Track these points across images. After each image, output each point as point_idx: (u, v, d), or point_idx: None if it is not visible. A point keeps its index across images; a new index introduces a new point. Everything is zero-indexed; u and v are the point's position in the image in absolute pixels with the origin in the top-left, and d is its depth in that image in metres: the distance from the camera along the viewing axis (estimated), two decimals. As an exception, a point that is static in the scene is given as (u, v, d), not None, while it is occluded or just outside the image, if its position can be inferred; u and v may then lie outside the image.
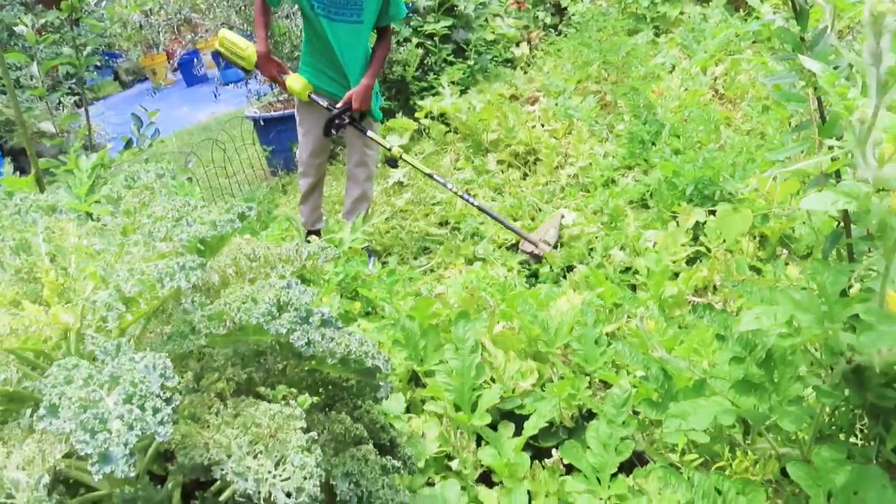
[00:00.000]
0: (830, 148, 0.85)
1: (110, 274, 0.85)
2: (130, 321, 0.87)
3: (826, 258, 1.09)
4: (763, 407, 1.26)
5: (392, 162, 3.31)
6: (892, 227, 0.73)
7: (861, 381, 1.11)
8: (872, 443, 1.26)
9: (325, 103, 3.20)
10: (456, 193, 3.31)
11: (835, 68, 0.75)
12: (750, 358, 1.27)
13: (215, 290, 1.04)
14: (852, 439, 1.38)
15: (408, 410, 2.01)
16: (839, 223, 1.14)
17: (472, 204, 3.28)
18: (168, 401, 0.72)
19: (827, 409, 1.36)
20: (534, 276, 3.00)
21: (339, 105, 3.16)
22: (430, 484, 1.72)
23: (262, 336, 0.91)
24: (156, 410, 0.71)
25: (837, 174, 1.05)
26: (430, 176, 3.30)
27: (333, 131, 3.21)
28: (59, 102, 4.78)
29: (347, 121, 3.18)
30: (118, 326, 0.84)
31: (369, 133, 3.24)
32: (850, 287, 1.08)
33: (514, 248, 3.31)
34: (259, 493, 0.77)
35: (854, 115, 0.65)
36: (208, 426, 0.86)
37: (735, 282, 1.10)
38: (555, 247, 3.13)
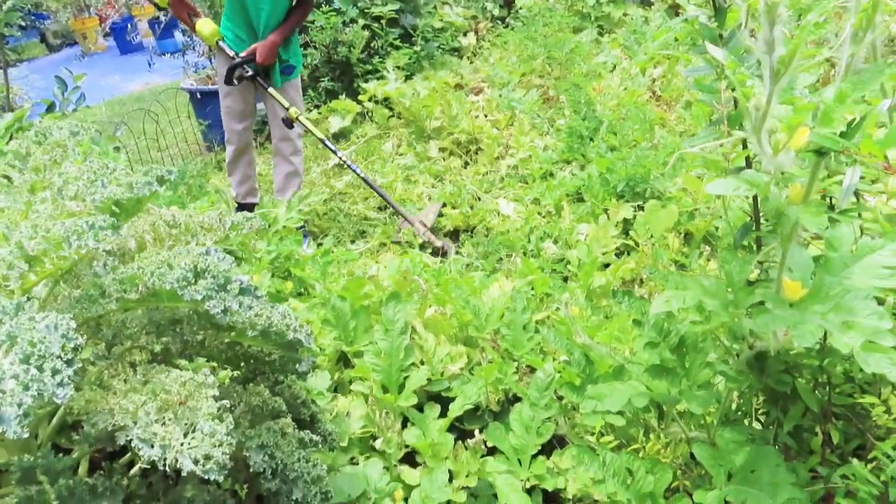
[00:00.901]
0: (738, 138, 0.89)
1: (13, 231, 0.81)
2: (34, 281, 0.83)
3: (736, 249, 1.15)
4: (674, 391, 1.32)
5: (287, 122, 3.30)
6: (787, 216, 0.78)
7: (762, 367, 1.18)
8: (772, 426, 1.33)
9: (231, 52, 3.21)
10: (344, 163, 3.35)
11: (744, 64, 0.80)
12: (664, 343, 1.33)
13: (131, 255, 1.00)
14: (756, 423, 1.46)
15: (335, 390, 2.00)
16: (751, 217, 1.20)
17: (359, 175, 3.33)
18: (69, 363, 0.70)
19: (734, 395, 1.43)
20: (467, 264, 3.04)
21: (242, 54, 3.18)
22: (354, 463, 1.72)
23: (176, 303, 0.88)
24: (55, 372, 0.68)
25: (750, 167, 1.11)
26: (323, 142, 3.33)
27: (235, 81, 3.24)
28: (-23, 61, 4.48)
29: (250, 73, 3.20)
30: (21, 287, 0.80)
31: (270, 90, 3.24)
32: (756, 276, 1.14)
33: (454, 235, 3.37)
34: (165, 459, 0.75)
35: (751, 102, 0.69)
36: (115, 393, 0.83)
37: (653, 269, 1.15)
38: (431, 230, 3.28)
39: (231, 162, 3.57)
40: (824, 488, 1.25)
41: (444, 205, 3.59)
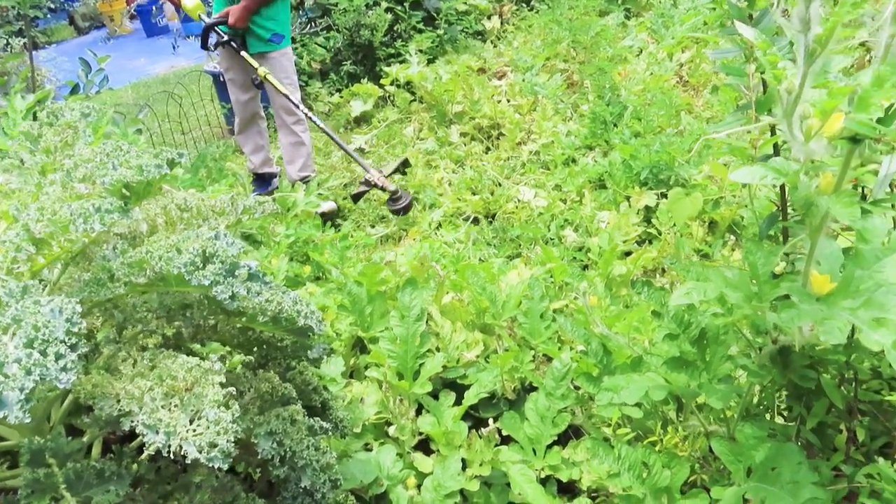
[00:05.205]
0: (766, 124, 0.85)
1: (22, 214, 0.80)
2: (42, 264, 0.83)
3: (762, 240, 1.11)
4: (694, 384, 1.29)
5: (257, 83, 3.37)
6: (818, 207, 0.74)
7: (786, 362, 1.14)
8: (795, 422, 1.29)
9: (210, 21, 3.28)
10: (306, 114, 3.39)
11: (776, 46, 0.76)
12: (684, 335, 1.29)
13: (142, 239, 0.99)
14: (778, 419, 1.43)
15: (351, 376, 2.00)
16: (778, 206, 1.16)
17: (315, 122, 3.37)
18: (73, 347, 0.69)
19: (756, 389, 1.39)
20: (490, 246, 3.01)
21: (215, 16, 3.26)
22: (368, 449, 1.72)
23: (184, 287, 0.87)
24: (58, 356, 0.67)
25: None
26: (286, 97, 3.37)
27: (211, 47, 3.37)
28: (7, 43, 4.54)
29: (225, 38, 3.27)
30: (29, 269, 0.80)
31: (243, 53, 3.29)
32: (782, 268, 1.10)
33: (475, 220, 3.34)
34: (170, 446, 0.74)
35: (782, 84, 0.65)
36: (122, 377, 0.82)
37: (674, 259, 1.11)
38: (389, 176, 3.41)
39: (240, 132, 3.67)
40: (848, 487, 1.22)
41: (407, 162, 3.68)
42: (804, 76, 0.65)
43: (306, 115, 3.41)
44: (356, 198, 3.47)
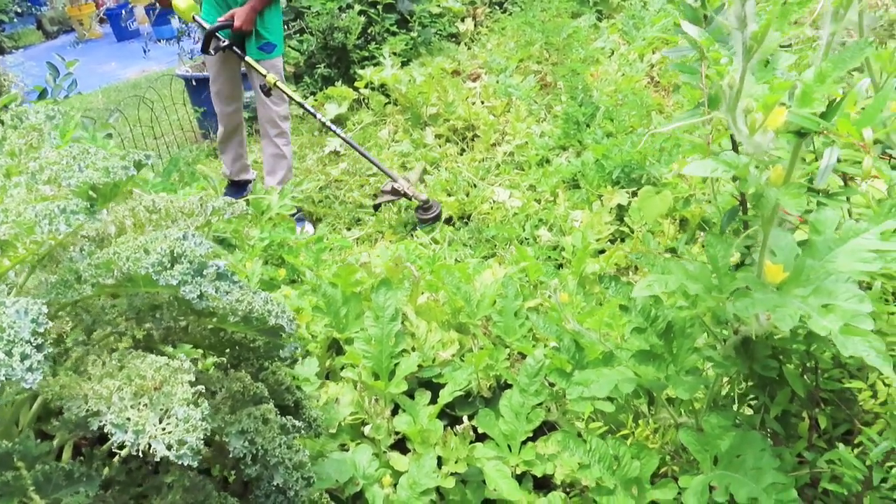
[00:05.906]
0: (717, 120, 0.88)
1: (-15, 216, 0.80)
2: (8, 266, 0.82)
3: (723, 233, 1.14)
4: (661, 377, 1.32)
5: (265, 90, 3.32)
6: (767, 198, 0.77)
7: (749, 353, 1.17)
8: (760, 411, 1.33)
9: (207, 25, 3.23)
10: (326, 126, 3.37)
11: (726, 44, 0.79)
12: (651, 329, 1.32)
13: (111, 240, 0.99)
14: (747, 410, 1.46)
15: (327, 377, 2.00)
16: (739, 201, 1.19)
17: (343, 138, 3.35)
18: (39, 347, 0.69)
19: (724, 380, 1.43)
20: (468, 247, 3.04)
21: (220, 19, 3.19)
22: (344, 449, 1.72)
23: (153, 288, 0.88)
24: (24, 357, 0.67)
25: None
26: (301, 105, 3.36)
27: (212, 51, 3.25)
28: (-29, 48, 4.46)
29: (226, 42, 3.20)
30: (-6, 272, 0.80)
31: (247, 58, 3.26)
32: (738, 260, 1.13)
33: (449, 221, 3.36)
34: (138, 445, 0.74)
35: (724, 80, 0.68)
36: (91, 378, 0.83)
37: (640, 254, 1.14)
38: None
39: (222, 141, 3.67)
40: (810, 473, 1.25)
41: (425, 169, 3.72)
42: (744, 71, 0.68)
43: (323, 123, 3.37)
44: (377, 206, 3.43)
